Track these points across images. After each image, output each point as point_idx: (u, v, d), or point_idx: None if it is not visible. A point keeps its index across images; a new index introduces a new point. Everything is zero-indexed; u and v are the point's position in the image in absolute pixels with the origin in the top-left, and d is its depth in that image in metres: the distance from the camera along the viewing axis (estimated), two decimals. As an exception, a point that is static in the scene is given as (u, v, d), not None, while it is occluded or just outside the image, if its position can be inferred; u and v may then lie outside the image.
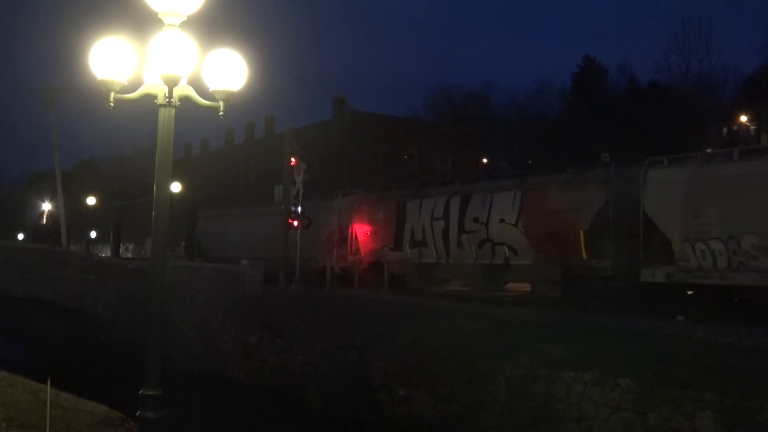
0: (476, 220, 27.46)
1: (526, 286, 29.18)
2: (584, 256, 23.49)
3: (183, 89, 7.37)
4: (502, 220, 26.66)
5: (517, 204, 26.42)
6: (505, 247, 26.55)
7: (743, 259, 19.60)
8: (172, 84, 7.09)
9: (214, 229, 45.41)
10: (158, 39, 7.00)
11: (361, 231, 32.57)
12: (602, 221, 23.29)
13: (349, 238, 33.01)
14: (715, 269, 20.19)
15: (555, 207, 25.00)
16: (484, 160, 66.47)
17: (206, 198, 62.60)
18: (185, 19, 7.06)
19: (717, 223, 20.27)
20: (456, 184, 31.14)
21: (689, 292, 21.50)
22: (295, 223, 32.13)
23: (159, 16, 7.01)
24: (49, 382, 10.00)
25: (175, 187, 47.23)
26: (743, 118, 57.13)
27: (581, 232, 23.59)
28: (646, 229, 21.91)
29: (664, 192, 21.73)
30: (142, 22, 7.21)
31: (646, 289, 21.82)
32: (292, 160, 32.60)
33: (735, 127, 58.25)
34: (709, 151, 23.07)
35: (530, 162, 58.35)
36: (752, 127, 57.06)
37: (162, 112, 7.34)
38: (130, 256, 64.81)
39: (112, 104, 7.25)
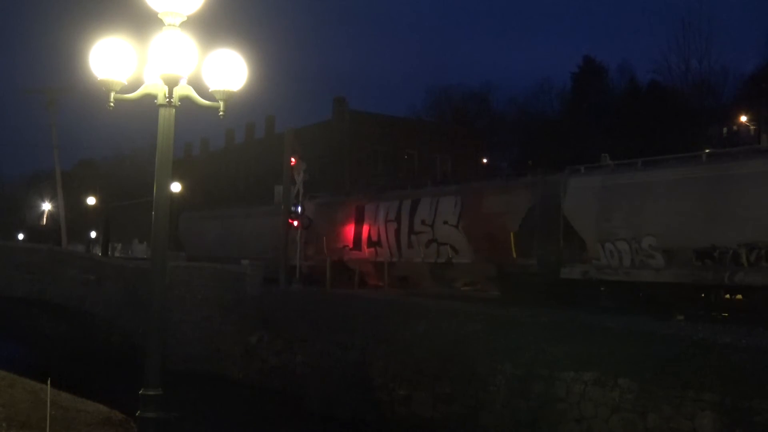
0: (423, 222, 29.83)
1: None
2: (514, 255, 25.71)
3: (183, 89, 7.37)
4: (445, 222, 28.86)
5: (458, 207, 28.72)
6: (449, 246, 28.69)
7: (643, 257, 21.77)
8: (172, 84, 7.09)
9: (194, 230, 47.46)
10: (158, 39, 7.00)
11: (326, 232, 34.61)
12: (529, 223, 25.53)
13: (316, 238, 34.89)
14: (621, 267, 22.34)
15: (489, 210, 27.21)
16: (484, 160, 66.47)
17: (206, 198, 62.65)
18: (185, 19, 7.07)
19: (623, 226, 22.32)
20: (408, 189, 33.59)
21: (602, 288, 23.76)
22: (295, 223, 32.25)
23: (159, 16, 7.01)
24: (49, 382, 10.00)
25: (175, 187, 47.26)
26: (743, 118, 57.16)
27: (511, 234, 25.82)
28: (565, 230, 24.11)
29: (581, 197, 23.81)
30: (142, 22, 7.22)
31: (566, 285, 23.97)
32: (292, 160, 32.60)
33: (735, 127, 58.30)
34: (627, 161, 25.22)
35: (530, 162, 58.32)
36: (752, 127, 57.10)
37: (162, 112, 7.34)
38: (117, 255, 64.98)
39: (112, 104, 7.25)
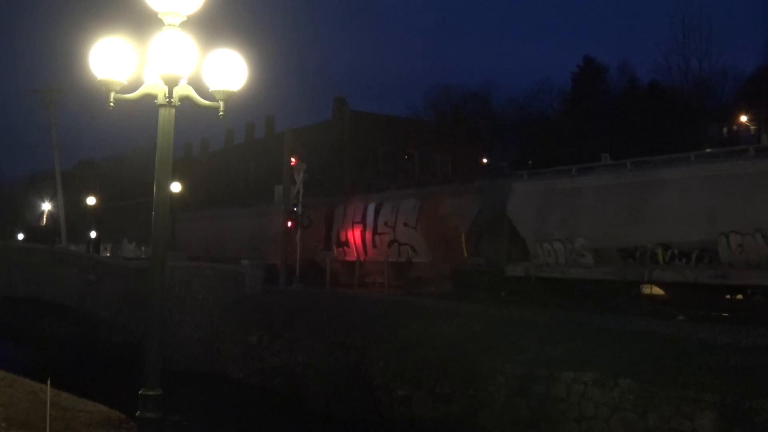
0: (386, 224, 32.07)
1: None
2: (465, 255, 27.64)
3: (183, 89, 7.36)
4: (405, 224, 31.05)
5: (417, 210, 30.78)
6: (408, 247, 30.83)
7: (576, 257, 23.93)
8: (172, 84, 7.08)
9: (182, 231, 49.54)
10: (158, 39, 6.99)
11: (300, 233, 35.69)
12: (478, 225, 27.47)
13: (290, 237, 36.29)
14: (557, 265, 24.52)
15: (444, 213, 29.15)
16: (484, 160, 66.43)
17: (206, 198, 62.65)
18: (185, 19, 7.06)
19: (558, 228, 24.44)
20: (373, 192, 36.11)
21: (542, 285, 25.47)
22: (289, 223, 32.30)
23: (159, 16, 7.01)
24: (49, 382, 9.99)
25: (175, 187, 47.32)
26: (743, 118, 57.13)
27: (463, 235, 27.74)
28: (509, 232, 26.15)
29: (523, 201, 25.89)
30: (142, 22, 7.21)
31: (510, 282, 25.89)
32: (292, 160, 32.61)
33: (735, 127, 58.28)
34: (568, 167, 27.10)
35: (530, 162, 58.29)
36: (752, 127, 57.08)
37: (162, 112, 7.34)
38: (108, 255, 65.28)
39: (112, 104, 7.24)
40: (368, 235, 32.84)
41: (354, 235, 33.80)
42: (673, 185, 21.63)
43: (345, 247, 34.21)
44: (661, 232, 21.51)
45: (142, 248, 65.46)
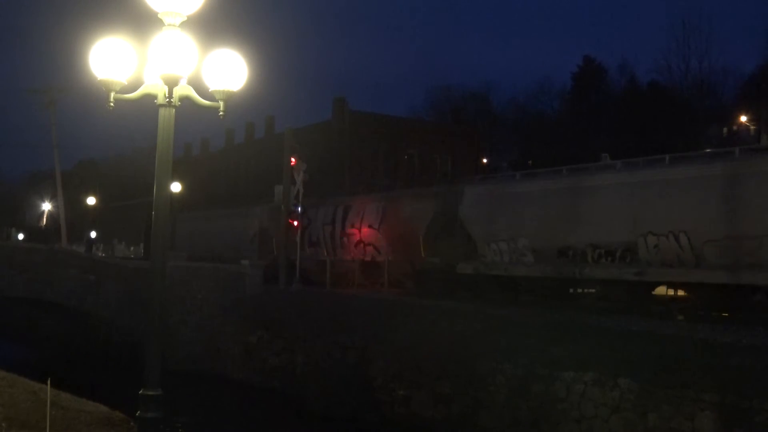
0: (353, 225, 34.42)
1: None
2: (423, 254, 29.73)
3: (183, 89, 7.36)
4: (370, 226, 33.40)
5: (380, 213, 33.07)
6: (372, 247, 33.03)
7: (518, 256, 25.92)
8: (172, 84, 7.08)
9: (180, 231, 50.93)
10: (158, 39, 6.98)
11: (276, 234, 37.37)
12: (434, 227, 29.54)
13: (269, 240, 38.99)
14: (502, 263, 26.49)
15: (404, 216, 31.41)
16: (484, 160, 66.43)
17: (206, 198, 62.65)
18: (185, 19, 7.05)
19: (504, 229, 26.35)
20: (344, 196, 39.48)
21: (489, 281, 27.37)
22: (295, 222, 32.31)
23: (159, 16, 7.00)
24: (49, 382, 9.99)
25: (175, 187, 47.38)
26: (743, 118, 57.15)
27: (420, 236, 29.86)
28: (462, 233, 28.11)
29: (474, 204, 27.94)
30: (142, 22, 7.21)
31: (462, 279, 27.84)
32: (292, 160, 32.59)
33: (735, 127, 58.31)
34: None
35: (530, 162, 58.33)
36: (752, 127, 57.10)
37: (162, 112, 7.33)
38: (100, 254, 65.47)
39: (112, 104, 7.24)
40: (336, 235, 35.38)
41: (325, 236, 36.26)
42: (601, 191, 23.75)
43: (317, 247, 36.46)
44: (590, 234, 23.62)
45: (131, 248, 65.77)
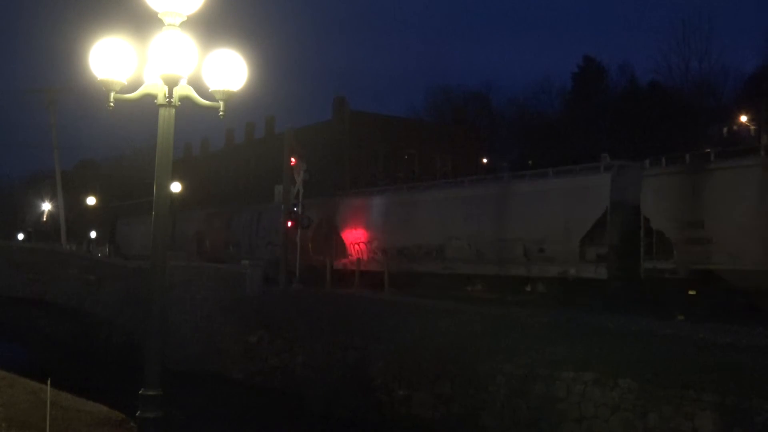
0: (264, 228, 40.62)
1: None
2: (311, 254, 35.25)
3: (183, 89, 7.35)
4: (276, 230, 37.31)
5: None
6: (278, 248, 36.34)
7: (372, 254, 32.92)
8: (172, 84, 7.07)
9: (126, 233, 58.75)
10: (158, 39, 6.97)
11: (209, 234, 46.50)
12: (319, 232, 36.09)
13: (204, 240, 46.47)
14: (362, 260, 33.32)
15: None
16: (484, 160, 66.41)
17: (206, 198, 62.61)
18: (185, 19, 7.05)
19: (357, 233, 33.84)
20: (261, 203, 44.92)
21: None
22: (290, 223, 32.36)
23: (159, 16, 7.00)
24: (49, 382, 9.98)
25: (175, 187, 47.37)
26: (743, 118, 57.09)
27: (310, 239, 35.26)
28: (336, 236, 35.05)
29: (345, 213, 35.48)
30: (142, 22, 7.21)
31: (337, 273, 33.59)
32: (292, 160, 32.58)
33: (735, 127, 58.23)
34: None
35: (530, 162, 58.23)
36: (752, 127, 57.04)
37: (162, 112, 7.33)
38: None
39: (112, 104, 7.23)
40: (252, 236, 41.80)
41: (243, 237, 43.07)
42: (425, 204, 32.29)
43: (238, 248, 43.04)
44: (418, 237, 31.37)
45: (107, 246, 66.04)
